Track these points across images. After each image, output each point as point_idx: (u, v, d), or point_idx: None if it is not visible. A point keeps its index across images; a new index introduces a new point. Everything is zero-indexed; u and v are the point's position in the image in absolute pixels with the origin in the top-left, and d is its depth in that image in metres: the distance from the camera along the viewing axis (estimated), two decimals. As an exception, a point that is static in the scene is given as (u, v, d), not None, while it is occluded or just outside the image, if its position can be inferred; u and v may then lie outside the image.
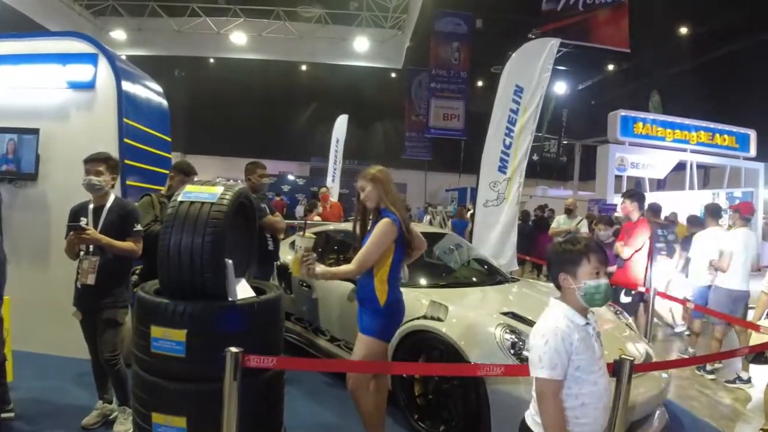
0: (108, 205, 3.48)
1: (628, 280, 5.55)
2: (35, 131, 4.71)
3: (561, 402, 1.90)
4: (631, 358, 2.57)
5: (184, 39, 16.21)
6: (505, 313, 3.69)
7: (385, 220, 2.92)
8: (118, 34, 15.81)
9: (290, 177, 23.28)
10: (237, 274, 2.84)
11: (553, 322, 1.92)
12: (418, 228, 5.72)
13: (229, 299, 2.48)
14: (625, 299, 5.55)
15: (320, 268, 2.81)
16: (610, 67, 22.36)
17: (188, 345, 2.35)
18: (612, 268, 5.73)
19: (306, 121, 23.95)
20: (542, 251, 10.43)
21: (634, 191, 6.10)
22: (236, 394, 2.14)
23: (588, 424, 1.93)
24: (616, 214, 8.20)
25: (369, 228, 3.07)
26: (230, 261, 2.45)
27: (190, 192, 2.53)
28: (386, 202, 3.01)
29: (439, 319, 3.54)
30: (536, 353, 1.91)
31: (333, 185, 14.25)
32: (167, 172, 5.04)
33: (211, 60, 23.42)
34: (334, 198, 13.59)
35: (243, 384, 2.24)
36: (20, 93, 4.88)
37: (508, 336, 3.33)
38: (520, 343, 3.31)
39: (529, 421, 2.05)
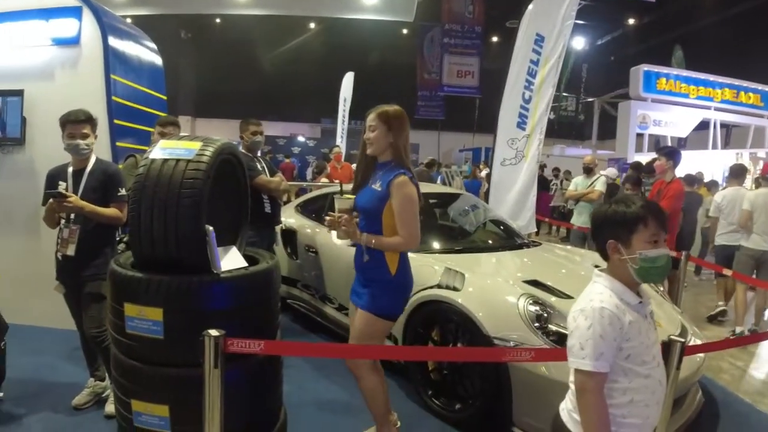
0: (89, 168, 3.17)
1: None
2: (19, 93, 4.40)
3: (605, 398, 1.55)
4: (682, 340, 2.20)
5: (185, -5, 15.60)
6: (527, 282, 3.34)
7: (403, 179, 2.46)
8: (118, -6, 15.22)
9: (300, 138, 22.82)
10: (226, 242, 2.53)
11: (598, 302, 1.55)
12: (428, 188, 5.40)
13: (213, 272, 2.14)
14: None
15: (365, 234, 2.48)
16: (631, 21, 21.32)
17: (166, 325, 2.05)
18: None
19: (315, 81, 23.25)
20: (543, 211, 10.09)
21: (671, 148, 5.66)
22: (219, 383, 1.83)
23: (636, 425, 1.58)
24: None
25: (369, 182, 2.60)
26: (211, 228, 2.11)
27: (165, 148, 2.17)
28: (400, 152, 2.54)
29: (455, 289, 3.20)
30: (577, 339, 1.55)
31: (341, 145, 13.85)
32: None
33: (217, 20, 22.77)
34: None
35: (230, 369, 1.93)
36: (2, 53, 4.54)
37: (532, 307, 2.98)
38: (545, 315, 2.97)
39: (564, 417, 1.71)
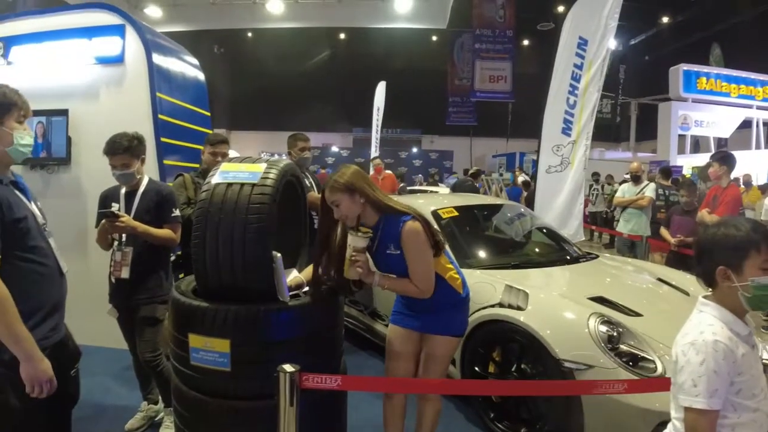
0: (142, 188, 3.12)
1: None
2: (64, 112, 4.41)
3: None
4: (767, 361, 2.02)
5: (219, 11, 15.79)
6: (593, 299, 3.18)
7: (408, 228, 2.25)
8: (153, 11, 15.53)
9: (334, 149, 22.89)
10: (286, 264, 2.44)
11: (710, 334, 1.43)
12: (471, 200, 5.24)
13: (280, 299, 2.05)
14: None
15: (378, 274, 2.33)
16: (665, 19, 20.77)
17: (234, 357, 1.95)
18: (692, 239, 5.13)
19: (347, 91, 23.35)
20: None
21: (724, 152, 5.38)
22: (294, 420, 1.73)
23: None
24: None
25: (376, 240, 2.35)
26: (279, 254, 2.02)
27: (227, 171, 2.09)
28: (380, 203, 2.30)
29: (518, 308, 3.05)
30: (689, 375, 1.43)
31: (376, 155, 13.76)
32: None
33: (249, 34, 23.10)
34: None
35: (301, 402, 1.84)
36: (46, 72, 4.56)
37: (603, 327, 2.82)
38: (616, 335, 2.80)
39: None
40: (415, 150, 25.03)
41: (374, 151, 13.78)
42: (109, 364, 4.05)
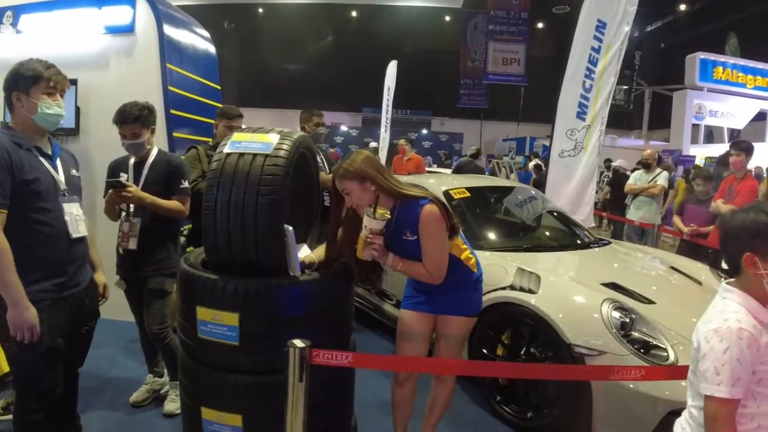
0: (151, 159, 3.07)
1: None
2: (73, 82, 4.32)
3: (736, 426, 1.40)
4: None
5: (230, -15, 15.63)
6: (606, 284, 3.13)
7: (427, 212, 2.19)
8: (164, -17, 15.36)
9: (343, 128, 22.75)
10: (297, 240, 2.39)
11: (735, 321, 1.39)
12: (482, 182, 5.17)
13: (291, 274, 2.01)
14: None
15: (392, 255, 2.27)
16: (682, 6, 20.37)
17: (242, 331, 1.92)
18: (708, 228, 5.06)
19: (356, 69, 23.12)
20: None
21: (746, 143, 5.27)
22: (303, 395, 1.70)
23: None
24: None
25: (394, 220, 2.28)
26: (290, 228, 1.98)
27: (239, 141, 2.04)
28: (392, 189, 2.23)
29: (530, 291, 3.00)
30: (711, 363, 1.39)
31: (385, 136, 13.63)
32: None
33: (260, 10, 22.84)
34: (384, 152, 12.98)
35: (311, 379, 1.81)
36: (55, 41, 4.50)
37: (616, 313, 2.77)
38: (629, 321, 2.75)
39: None
40: (424, 131, 24.84)
41: (384, 132, 13.66)
42: (116, 336, 4.04)
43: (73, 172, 2.36)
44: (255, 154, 1.97)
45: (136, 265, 3.02)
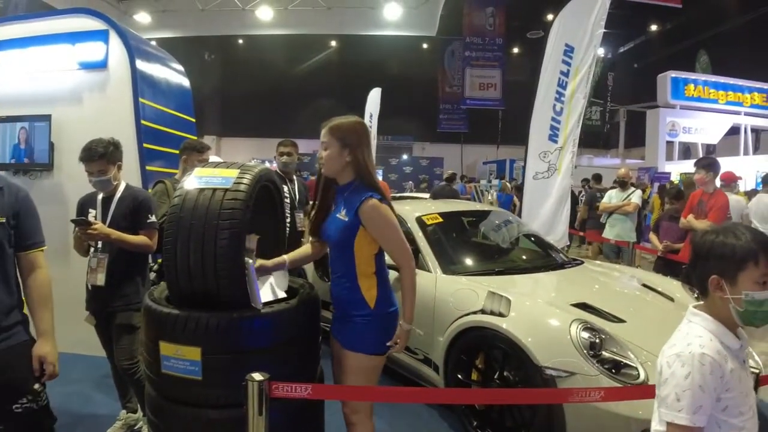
0: (118, 194, 3.08)
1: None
2: (47, 118, 4.37)
3: None
4: (757, 370, 2.01)
5: (209, 18, 15.74)
6: (575, 305, 3.16)
7: (372, 203, 2.10)
8: (143, 17, 15.45)
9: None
10: (263, 273, 2.40)
11: (698, 347, 1.36)
12: (456, 207, 5.20)
13: (253, 306, 2.02)
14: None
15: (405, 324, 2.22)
16: (653, 27, 20.99)
17: (205, 365, 1.91)
18: (679, 246, 5.14)
19: (338, 98, 23.37)
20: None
21: (710, 159, 5.40)
22: (264, 430, 1.69)
23: None
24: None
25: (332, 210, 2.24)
26: (251, 261, 1.99)
27: (201, 176, 2.07)
28: (362, 170, 2.17)
29: (500, 314, 3.02)
30: (672, 389, 1.35)
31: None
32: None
33: (240, 41, 23.09)
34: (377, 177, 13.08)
35: (272, 412, 1.80)
36: (30, 78, 4.53)
37: (585, 334, 2.79)
38: (599, 341, 2.78)
39: None
40: (405, 157, 25.06)
41: (367, 158, 13.75)
42: (89, 371, 3.99)
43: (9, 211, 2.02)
44: (215, 189, 1.99)
45: (104, 300, 3.01)
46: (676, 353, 1.38)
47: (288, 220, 3.99)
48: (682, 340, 1.42)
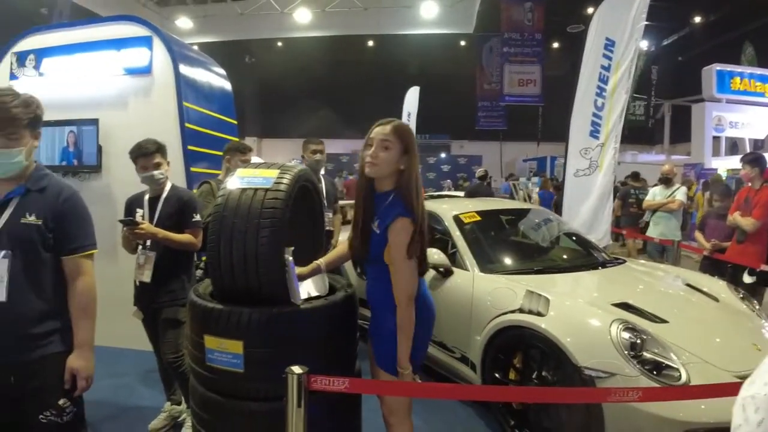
0: (164, 194, 3.22)
1: (752, 257, 4.73)
2: (94, 122, 4.57)
3: None
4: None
5: (248, 22, 16.10)
6: (616, 305, 3.10)
7: (402, 223, 1.99)
8: (184, 23, 15.92)
9: (362, 155, 22.96)
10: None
11: None
12: (494, 205, 5.16)
13: (293, 302, 2.07)
14: (748, 279, 4.75)
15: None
16: (697, 19, 20.24)
17: (247, 358, 1.98)
18: (726, 244, 4.97)
19: (377, 98, 23.49)
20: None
21: (755, 154, 5.20)
22: (303, 421, 1.75)
23: None
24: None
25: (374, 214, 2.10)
26: (291, 258, 2.05)
27: (242, 177, 2.14)
28: (409, 183, 2.03)
29: (539, 314, 2.99)
30: None
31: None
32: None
33: (279, 43, 23.46)
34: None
35: (312, 405, 1.85)
36: (77, 83, 4.74)
37: (625, 334, 2.74)
38: (640, 342, 2.71)
39: None
40: (443, 155, 24.96)
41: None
42: (137, 365, 4.15)
43: (25, 218, 1.86)
44: (256, 189, 2.06)
45: (151, 296, 3.13)
46: (751, 394, 1.18)
47: None
48: (760, 378, 1.14)
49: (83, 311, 1.95)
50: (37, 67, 4.87)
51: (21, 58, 4.92)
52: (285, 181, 2.08)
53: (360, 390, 1.76)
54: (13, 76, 4.92)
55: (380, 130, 2.08)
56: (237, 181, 2.12)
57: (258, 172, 2.14)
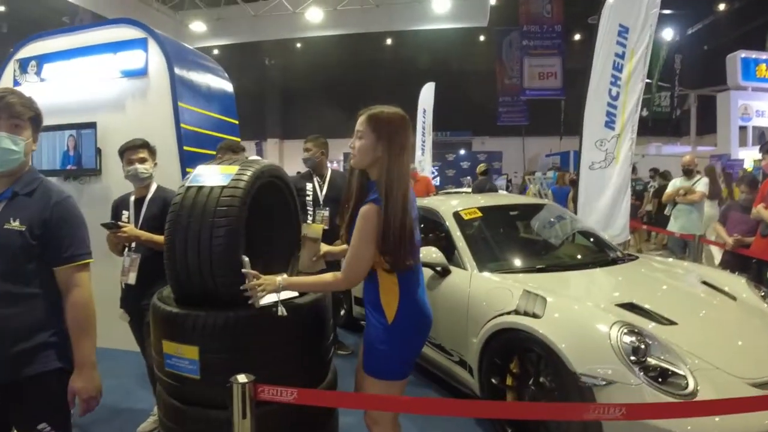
0: (149, 195, 3.16)
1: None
2: (92, 125, 4.54)
3: None
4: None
5: (262, 23, 16.08)
6: (621, 305, 2.89)
7: (368, 209, 1.90)
8: (198, 26, 16.00)
9: (378, 153, 22.89)
10: (276, 270, 2.34)
11: None
12: (501, 200, 4.95)
13: (252, 306, 1.94)
14: (772, 276, 4.46)
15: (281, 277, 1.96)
16: (721, 6, 19.52)
17: (203, 364, 1.87)
18: (750, 239, 4.68)
19: (395, 96, 23.30)
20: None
21: (773, 142, 4.89)
22: (251, 435, 1.62)
23: None
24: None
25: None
26: (246, 258, 1.92)
27: (201, 174, 2.03)
28: (388, 170, 1.92)
29: (534, 315, 2.80)
30: None
31: (423, 158, 13.57)
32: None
33: (298, 44, 23.52)
34: (426, 172, 12.92)
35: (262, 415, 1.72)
36: (76, 87, 4.73)
37: (627, 338, 2.50)
38: (643, 347, 2.48)
39: None
40: (462, 152, 24.63)
41: (419, 155, 13.61)
42: (133, 367, 4.08)
43: (9, 224, 1.72)
44: (213, 187, 1.94)
45: (136, 298, 3.07)
46: None
47: (310, 217, 3.99)
48: None
49: (79, 327, 1.79)
50: (38, 73, 4.89)
51: (23, 65, 4.95)
52: (244, 178, 1.96)
53: (310, 401, 1.62)
54: (16, 83, 4.95)
55: (359, 121, 2.03)
56: (194, 179, 2.01)
57: (218, 169, 2.03)
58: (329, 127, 23.04)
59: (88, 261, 1.84)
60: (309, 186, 4.03)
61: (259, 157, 4.31)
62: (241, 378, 1.61)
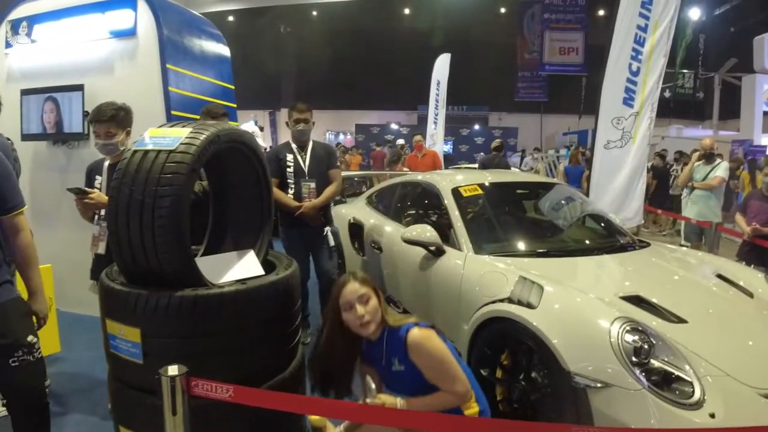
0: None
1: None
2: (80, 87, 4.34)
3: None
4: None
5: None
6: (626, 298, 2.62)
7: (414, 335, 2.09)
8: (208, -9, 15.69)
9: (393, 126, 22.51)
10: (244, 245, 2.13)
11: None
12: (507, 176, 4.62)
13: (205, 285, 1.74)
14: (796, 269, 4.15)
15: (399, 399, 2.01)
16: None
17: (145, 348, 1.68)
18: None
19: (411, 67, 22.79)
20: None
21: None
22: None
23: None
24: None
25: None
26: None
27: (150, 136, 1.80)
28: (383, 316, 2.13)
29: (529, 305, 2.56)
30: None
31: (436, 132, 13.22)
32: (233, 123, 4.55)
33: (314, 12, 23.04)
34: (437, 146, 12.58)
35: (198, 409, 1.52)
36: (65, 48, 4.54)
37: (629, 336, 2.23)
38: (646, 347, 2.20)
39: None
40: (476, 127, 24.09)
41: (432, 128, 13.27)
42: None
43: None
44: (159, 151, 1.71)
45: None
46: None
47: (292, 188, 3.74)
48: None
49: (28, 263, 2.07)
50: (29, 34, 4.72)
51: (15, 26, 4.78)
52: (195, 142, 1.73)
53: (247, 401, 1.41)
54: (8, 45, 4.80)
55: (351, 288, 2.00)
56: (141, 142, 1.78)
57: (169, 132, 1.79)
58: (342, 98, 22.71)
59: (24, 207, 2.09)
60: (290, 157, 3.77)
61: (236, 124, 4.02)
62: (172, 370, 1.41)
